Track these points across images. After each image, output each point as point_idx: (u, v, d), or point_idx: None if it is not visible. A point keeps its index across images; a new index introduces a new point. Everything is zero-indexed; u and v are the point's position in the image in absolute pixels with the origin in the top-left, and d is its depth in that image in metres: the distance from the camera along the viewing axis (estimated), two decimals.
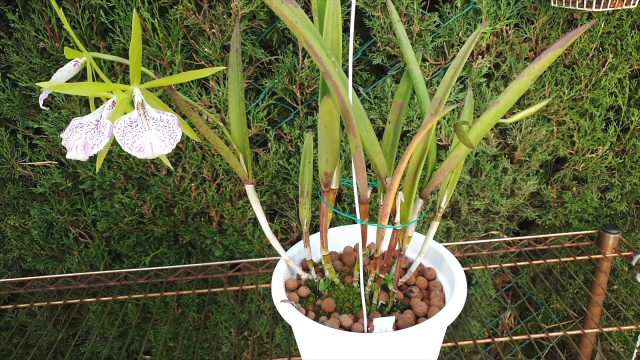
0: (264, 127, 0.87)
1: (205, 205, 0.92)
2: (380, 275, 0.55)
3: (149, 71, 0.43)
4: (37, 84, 0.36)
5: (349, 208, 0.94)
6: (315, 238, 0.62)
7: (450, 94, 0.85)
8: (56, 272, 1.00)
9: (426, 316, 0.54)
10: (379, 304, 0.56)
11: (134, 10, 0.36)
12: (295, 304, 0.54)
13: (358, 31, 0.85)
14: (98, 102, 0.46)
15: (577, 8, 0.72)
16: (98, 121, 0.38)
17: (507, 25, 0.83)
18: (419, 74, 0.52)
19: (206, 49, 0.80)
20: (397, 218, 0.50)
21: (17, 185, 0.94)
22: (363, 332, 0.52)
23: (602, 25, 0.83)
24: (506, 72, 0.86)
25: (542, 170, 0.98)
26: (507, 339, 0.76)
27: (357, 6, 0.80)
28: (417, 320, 0.54)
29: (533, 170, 0.95)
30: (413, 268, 0.60)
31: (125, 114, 0.38)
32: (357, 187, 0.49)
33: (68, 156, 0.37)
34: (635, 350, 0.93)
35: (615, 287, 1.07)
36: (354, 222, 0.75)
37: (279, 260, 0.60)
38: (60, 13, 0.39)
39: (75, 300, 0.85)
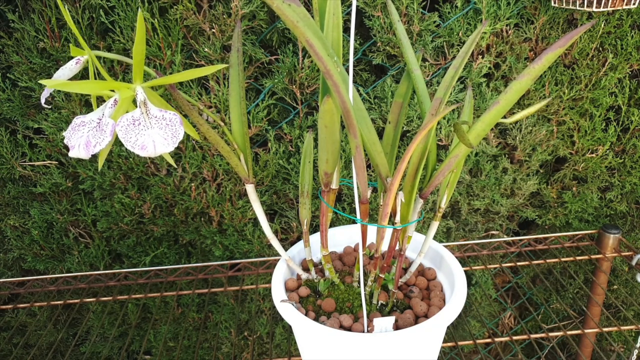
0: (264, 127, 0.87)
1: (205, 205, 0.92)
2: (380, 275, 0.55)
3: (151, 70, 0.43)
4: (40, 81, 0.36)
5: (349, 208, 0.94)
6: (315, 238, 0.62)
7: (451, 94, 0.85)
8: (56, 272, 1.00)
9: (426, 316, 0.54)
10: (379, 304, 0.56)
11: (139, 9, 0.36)
12: (295, 304, 0.54)
13: (358, 31, 0.85)
14: (99, 101, 0.46)
15: (577, 8, 0.72)
16: (100, 119, 0.38)
17: (507, 25, 0.83)
18: (419, 74, 0.52)
19: (206, 49, 0.80)
20: (397, 218, 0.50)
21: (17, 185, 0.94)
22: (363, 332, 0.52)
23: (602, 25, 0.83)
24: (506, 72, 0.86)
25: (542, 170, 0.99)
26: (507, 339, 0.76)
27: (357, 6, 0.80)
28: (417, 320, 0.54)
29: (533, 170, 0.95)
30: (413, 268, 0.60)
31: (127, 112, 0.38)
32: (357, 187, 0.49)
33: (70, 154, 0.37)
34: (635, 351, 0.93)
35: (615, 287, 1.07)
36: (354, 222, 0.75)
37: (279, 260, 0.60)
38: (65, 11, 0.39)
39: (75, 300, 0.85)
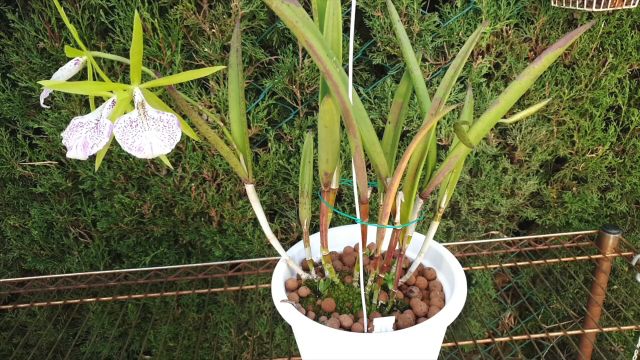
0: (264, 127, 0.87)
1: (205, 205, 0.92)
2: (380, 275, 0.55)
3: (150, 71, 0.43)
4: (39, 82, 0.36)
5: (349, 208, 0.94)
6: (315, 238, 0.62)
7: (451, 93, 0.85)
8: (56, 272, 1.00)
9: (426, 316, 0.54)
10: (379, 304, 0.56)
11: (136, 10, 0.36)
12: (295, 304, 0.54)
13: (358, 31, 0.85)
14: (98, 101, 0.46)
15: (577, 8, 0.72)
16: (98, 121, 0.38)
17: (507, 25, 0.83)
18: (419, 74, 0.52)
19: (206, 49, 0.80)
20: (397, 218, 0.50)
21: (17, 185, 0.94)
22: (363, 332, 0.52)
23: (602, 25, 0.83)
24: (506, 72, 0.86)
25: (542, 170, 0.98)
26: (507, 339, 0.76)
27: (357, 6, 0.80)
28: (417, 320, 0.54)
29: (533, 170, 0.95)
30: (413, 268, 0.60)
31: (125, 113, 0.38)
32: (357, 187, 0.49)
33: (68, 155, 0.37)
34: (636, 350, 0.93)
35: (615, 287, 1.07)
36: (354, 222, 0.75)
37: (279, 260, 0.60)
38: (62, 12, 0.39)
39: (75, 300, 0.85)
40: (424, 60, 0.84)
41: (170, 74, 0.82)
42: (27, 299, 1.01)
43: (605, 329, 0.78)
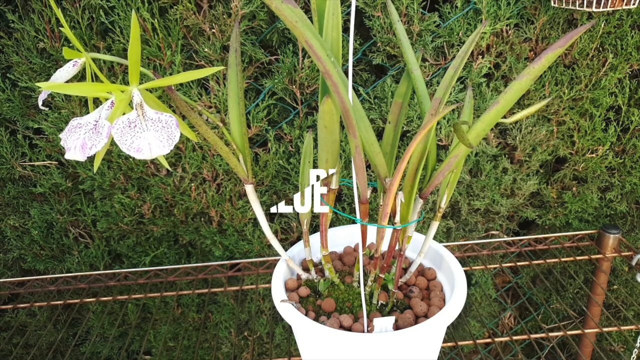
0: (264, 127, 0.87)
1: (205, 205, 0.92)
2: (380, 275, 0.55)
3: (148, 71, 0.43)
4: (36, 84, 0.36)
5: (349, 208, 0.94)
6: (315, 238, 0.62)
7: (450, 94, 0.85)
8: (56, 272, 1.00)
9: (426, 316, 0.54)
10: (379, 304, 0.56)
11: (133, 11, 0.36)
12: (295, 304, 0.54)
13: (358, 31, 0.85)
14: (97, 102, 0.46)
15: (577, 8, 0.72)
16: (97, 122, 0.38)
17: (507, 25, 0.83)
18: (419, 74, 0.51)
19: (206, 49, 0.80)
20: (397, 218, 0.50)
21: (17, 185, 0.94)
22: (363, 332, 0.52)
23: (602, 25, 0.83)
24: (506, 72, 0.86)
25: (542, 170, 0.98)
26: (507, 339, 0.76)
27: (357, 6, 0.80)
28: (417, 320, 0.54)
29: (533, 170, 0.95)
30: (413, 268, 0.60)
31: (123, 114, 0.38)
32: (357, 187, 0.49)
33: (67, 156, 0.37)
34: (635, 350, 0.93)
35: (615, 287, 1.07)
36: (354, 222, 0.75)
37: (279, 260, 0.60)
38: (59, 14, 0.39)
39: (75, 300, 0.85)
40: (424, 60, 0.84)
41: (170, 74, 0.82)
42: (27, 299, 1.01)
43: (605, 329, 0.78)
